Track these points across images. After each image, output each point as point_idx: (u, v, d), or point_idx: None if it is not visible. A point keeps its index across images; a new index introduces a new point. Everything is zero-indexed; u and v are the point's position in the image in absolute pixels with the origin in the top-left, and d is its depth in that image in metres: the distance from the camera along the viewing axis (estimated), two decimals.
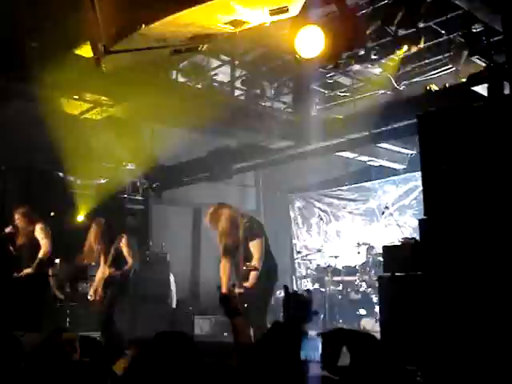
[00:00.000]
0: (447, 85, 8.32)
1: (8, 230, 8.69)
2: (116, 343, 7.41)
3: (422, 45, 7.67)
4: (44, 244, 8.51)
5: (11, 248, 8.66)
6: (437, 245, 5.61)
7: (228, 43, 7.23)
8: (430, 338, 5.44)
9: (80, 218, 10.51)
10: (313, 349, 1.83)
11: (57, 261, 9.41)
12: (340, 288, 10.13)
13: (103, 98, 8.33)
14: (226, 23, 5.23)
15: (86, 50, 6.52)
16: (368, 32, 7.43)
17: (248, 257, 6.71)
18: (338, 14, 5.20)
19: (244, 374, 1.83)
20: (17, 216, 8.67)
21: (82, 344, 3.74)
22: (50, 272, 8.83)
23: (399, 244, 6.72)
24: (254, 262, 6.61)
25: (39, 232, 8.56)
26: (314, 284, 11.09)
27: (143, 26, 4.83)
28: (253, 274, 6.56)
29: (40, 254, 8.44)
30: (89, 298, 8.17)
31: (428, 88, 8.23)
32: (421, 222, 5.92)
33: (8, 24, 6.57)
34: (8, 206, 9.44)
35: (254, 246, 6.69)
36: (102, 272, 8.12)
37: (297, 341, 1.78)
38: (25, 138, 9.55)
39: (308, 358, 1.81)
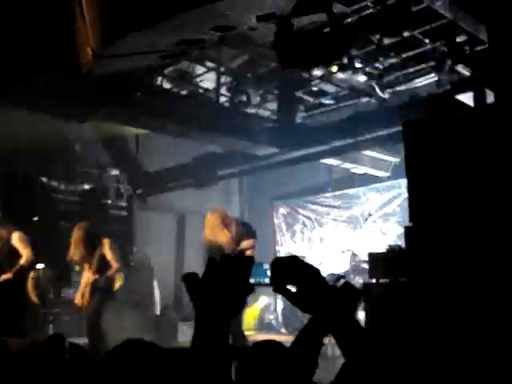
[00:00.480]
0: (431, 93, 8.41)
1: None
2: (102, 350, 7.36)
3: (406, 54, 7.75)
4: (25, 253, 8.39)
5: None
6: (422, 252, 5.65)
7: (214, 50, 7.21)
8: (415, 345, 5.47)
9: (63, 223, 10.40)
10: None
11: (40, 266, 9.30)
12: None
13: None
14: (213, 28, 5.27)
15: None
16: (352, 40, 7.48)
17: None
18: (323, 22, 5.23)
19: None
20: None
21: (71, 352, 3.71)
22: (32, 275, 8.73)
23: (385, 251, 6.75)
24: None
25: (16, 241, 8.45)
26: None
27: (131, 31, 4.86)
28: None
29: (21, 261, 8.34)
30: (76, 302, 8.09)
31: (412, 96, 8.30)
32: (406, 228, 5.95)
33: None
34: None
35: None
36: (88, 277, 8.06)
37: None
38: (8, 142, 9.44)
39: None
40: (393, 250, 6.53)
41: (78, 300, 8.07)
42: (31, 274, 8.86)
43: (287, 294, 1.72)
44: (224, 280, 1.69)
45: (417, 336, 5.42)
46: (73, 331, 8.24)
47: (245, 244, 7.28)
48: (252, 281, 1.74)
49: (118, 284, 8.22)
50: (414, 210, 5.92)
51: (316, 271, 1.72)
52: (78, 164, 11.65)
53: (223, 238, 7.20)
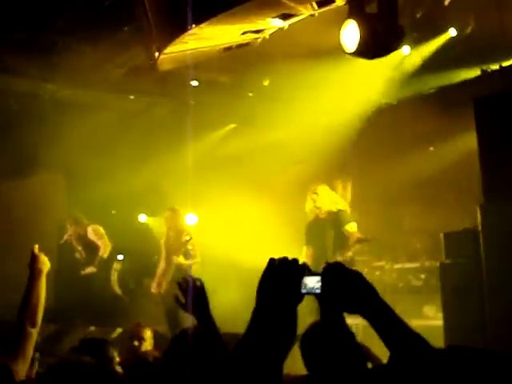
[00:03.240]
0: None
1: (64, 238, 9.06)
2: None
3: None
4: (102, 243, 8.76)
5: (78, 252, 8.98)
6: (497, 230, 5.53)
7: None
8: (493, 325, 5.38)
9: (141, 216, 10.58)
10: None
11: (120, 257, 9.60)
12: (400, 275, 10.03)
13: None
14: (275, 17, 5.29)
15: None
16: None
17: None
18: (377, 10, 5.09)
19: None
20: (68, 226, 9.10)
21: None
22: (115, 266, 9.08)
23: (460, 230, 6.59)
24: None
25: (92, 234, 8.84)
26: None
27: (193, 26, 4.94)
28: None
29: (100, 253, 8.68)
30: (152, 291, 8.31)
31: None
32: (481, 207, 5.84)
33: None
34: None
35: None
36: (163, 267, 8.26)
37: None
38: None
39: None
40: (468, 230, 6.37)
41: (154, 289, 8.26)
42: (114, 266, 9.21)
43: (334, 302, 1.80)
44: (279, 285, 1.76)
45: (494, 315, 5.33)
46: (155, 320, 8.47)
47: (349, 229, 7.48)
48: (303, 291, 1.78)
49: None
50: (488, 188, 5.80)
51: (360, 275, 1.79)
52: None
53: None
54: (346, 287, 1.76)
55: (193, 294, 3.02)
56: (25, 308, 3.05)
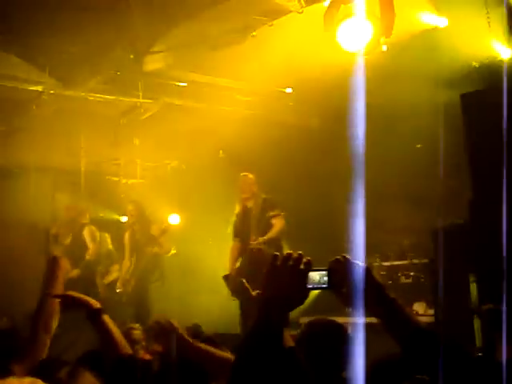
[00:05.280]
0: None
1: (54, 231, 8.84)
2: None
3: None
4: (92, 246, 8.47)
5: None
6: (486, 226, 5.54)
7: None
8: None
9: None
10: None
11: None
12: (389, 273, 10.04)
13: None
14: (260, 15, 5.26)
15: None
16: None
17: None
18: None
19: None
20: (66, 214, 8.78)
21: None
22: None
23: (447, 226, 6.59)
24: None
25: (87, 234, 8.53)
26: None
27: (180, 23, 4.90)
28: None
29: (87, 256, 8.42)
30: (118, 291, 8.14)
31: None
32: (470, 203, 5.85)
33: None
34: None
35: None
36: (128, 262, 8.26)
37: None
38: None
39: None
40: (456, 226, 6.37)
41: (119, 288, 8.12)
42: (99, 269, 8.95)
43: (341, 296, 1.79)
44: (284, 280, 1.75)
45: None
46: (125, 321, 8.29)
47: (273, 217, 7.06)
48: (309, 286, 1.78)
49: None
50: (476, 183, 5.80)
51: (367, 271, 1.78)
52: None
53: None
54: (354, 282, 1.75)
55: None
56: (40, 314, 3.02)
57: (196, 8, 4.84)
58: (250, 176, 7.33)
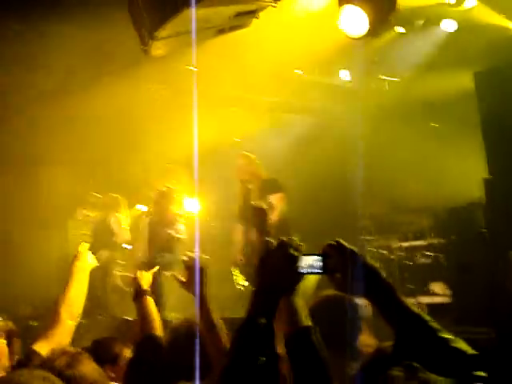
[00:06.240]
0: None
1: (79, 215, 8.98)
2: None
3: None
4: (119, 233, 8.60)
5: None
6: (502, 203, 5.47)
7: None
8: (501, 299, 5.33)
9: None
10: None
11: (128, 247, 9.43)
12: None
13: None
14: None
15: None
16: None
17: None
18: None
19: None
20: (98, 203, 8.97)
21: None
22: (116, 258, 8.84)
23: (464, 206, 6.54)
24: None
25: (115, 223, 8.67)
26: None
27: (185, 8, 4.85)
28: None
29: (115, 239, 8.58)
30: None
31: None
32: (485, 181, 5.76)
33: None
34: None
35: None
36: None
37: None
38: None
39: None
40: (473, 204, 6.30)
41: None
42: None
43: (336, 281, 1.79)
44: (278, 265, 1.77)
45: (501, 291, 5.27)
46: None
47: (274, 198, 6.75)
48: (302, 270, 1.79)
49: None
50: (492, 161, 5.71)
51: (361, 255, 1.78)
52: None
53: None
54: (348, 267, 1.76)
55: (199, 273, 2.95)
56: (63, 299, 3.14)
57: None
58: (251, 156, 7.07)
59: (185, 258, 3.05)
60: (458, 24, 7.00)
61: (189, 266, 3.01)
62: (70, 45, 6.81)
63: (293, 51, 7.47)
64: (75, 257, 3.35)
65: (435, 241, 9.14)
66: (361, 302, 2.61)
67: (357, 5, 4.65)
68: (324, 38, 6.51)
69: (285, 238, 1.80)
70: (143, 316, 3.21)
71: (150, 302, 3.28)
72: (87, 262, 3.38)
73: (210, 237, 8.41)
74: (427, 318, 1.73)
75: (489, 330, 5.19)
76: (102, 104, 7.92)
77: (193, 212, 8.57)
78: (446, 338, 1.65)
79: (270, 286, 1.74)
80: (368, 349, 3.04)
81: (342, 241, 1.82)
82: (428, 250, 9.41)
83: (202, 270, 2.97)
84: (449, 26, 7.11)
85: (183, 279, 3.03)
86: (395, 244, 10.06)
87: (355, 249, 1.81)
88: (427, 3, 6.49)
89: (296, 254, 1.78)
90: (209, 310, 2.88)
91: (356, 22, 4.69)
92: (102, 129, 8.48)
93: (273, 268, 1.77)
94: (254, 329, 1.70)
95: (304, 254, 1.80)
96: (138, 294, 3.31)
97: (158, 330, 3.15)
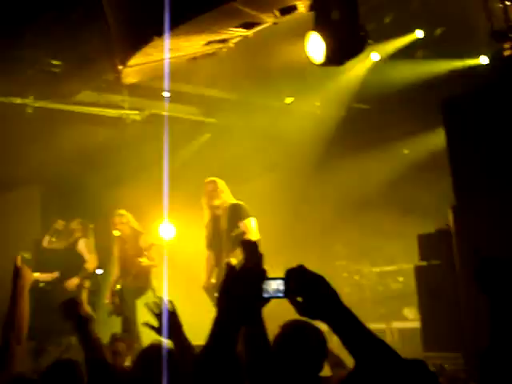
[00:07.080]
0: None
1: (45, 243, 8.75)
2: None
3: None
4: (90, 258, 8.36)
5: None
6: (469, 231, 5.54)
7: None
8: (469, 325, 5.38)
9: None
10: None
11: (99, 271, 9.24)
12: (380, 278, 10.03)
13: None
14: (238, 26, 5.26)
15: None
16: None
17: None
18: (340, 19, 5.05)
19: None
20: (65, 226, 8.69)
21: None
22: (86, 285, 8.64)
23: (433, 232, 6.59)
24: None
25: (83, 246, 8.41)
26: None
27: (155, 37, 4.89)
28: None
29: (86, 266, 8.30)
30: (106, 301, 8.00)
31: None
32: (453, 208, 5.84)
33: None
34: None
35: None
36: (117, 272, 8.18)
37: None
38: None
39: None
40: (442, 231, 6.37)
41: (107, 299, 7.94)
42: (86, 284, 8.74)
43: (297, 305, 1.76)
44: (239, 291, 1.74)
45: (471, 315, 5.32)
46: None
47: (245, 225, 6.48)
48: (266, 295, 1.76)
49: None
50: (459, 189, 5.80)
51: (322, 280, 1.75)
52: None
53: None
54: (309, 291, 1.74)
55: (167, 318, 2.95)
56: (10, 325, 3.02)
57: (171, 23, 4.80)
58: (218, 181, 6.76)
59: (154, 307, 3.03)
60: None
61: (158, 314, 3.00)
62: None
63: None
64: (15, 273, 3.14)
65: (405, 266, 9.22)
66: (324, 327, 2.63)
67: (318, 33, 4.76)
68: None
69: (247, 263, 1.77)
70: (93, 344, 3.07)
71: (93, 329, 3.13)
72: (27, 278, 3.19)
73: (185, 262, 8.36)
74: (387, 345, 1.72)
75: (456, 355, 5.25)
76: None
77: (166, 238, 8.49)
78: (407, 365, 1.66)
79: (230, 314, 1.72)
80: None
81: (304, 265, 1.80)
82: (399, 275, 9.50)
83: (172, 314, 2.97)
84: None
85: (155, 325, 3.02)
86: (366, 269, 10.13)
87: (318, 273, 1.79)
88: None
89: (258, 278, 1.76)
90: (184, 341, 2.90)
91: (318, 49, 4.79)
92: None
93: (234, 295, 1.74)
94: (212, 361, 1.68)
95: (267, 278, 1.78)
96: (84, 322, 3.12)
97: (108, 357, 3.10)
